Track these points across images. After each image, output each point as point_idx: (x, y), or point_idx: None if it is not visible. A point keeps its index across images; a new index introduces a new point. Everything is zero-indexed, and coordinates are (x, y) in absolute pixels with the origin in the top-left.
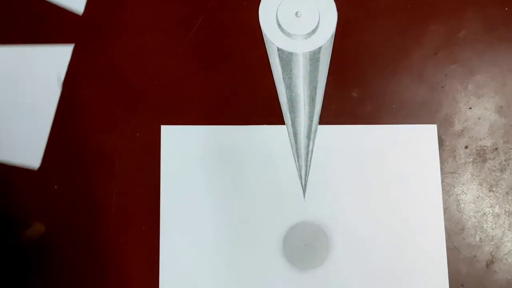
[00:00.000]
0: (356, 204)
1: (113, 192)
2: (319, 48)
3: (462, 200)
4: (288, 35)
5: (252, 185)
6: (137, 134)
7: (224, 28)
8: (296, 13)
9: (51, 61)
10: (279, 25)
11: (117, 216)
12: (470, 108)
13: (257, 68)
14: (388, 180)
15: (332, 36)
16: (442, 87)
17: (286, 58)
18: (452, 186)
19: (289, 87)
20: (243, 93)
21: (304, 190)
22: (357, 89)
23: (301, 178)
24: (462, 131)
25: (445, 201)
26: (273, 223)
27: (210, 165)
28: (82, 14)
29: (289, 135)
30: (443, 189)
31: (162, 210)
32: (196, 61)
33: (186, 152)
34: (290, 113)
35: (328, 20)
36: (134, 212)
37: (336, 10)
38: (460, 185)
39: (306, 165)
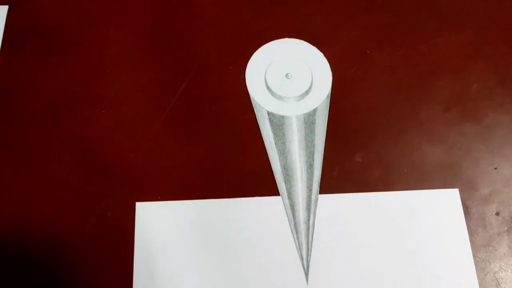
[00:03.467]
0: None
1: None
2: (314, 110)
3: (501, 278)
4: (279, 98)
5: (244, 268)
6: (109, 214)
7: (208, 95)
8: (287, 75)
9: None
10: (268, 87)
11: None
12: (495, 168)
13: (245, 135)
14: (407, 257)
15: (328, 96)
16: (459, 146)
17: (278, 122)
18: (488, 262)
19: (283, 153)
20: (230, 162)
21: (306, 273)
22: (360, 153)
23: (302, 258)
24: (490, 195)
25: (480, 281)
26: None
27: (194, 246)
28: None
29: (285, 208)
30: (476, 266)
31: None
32: (176, 130)
33: (165, 233)
34: (285, 182)
35: (322, 80)
36: None
37: (330, 68)
38: (497, 260)
39: (308, 243)
